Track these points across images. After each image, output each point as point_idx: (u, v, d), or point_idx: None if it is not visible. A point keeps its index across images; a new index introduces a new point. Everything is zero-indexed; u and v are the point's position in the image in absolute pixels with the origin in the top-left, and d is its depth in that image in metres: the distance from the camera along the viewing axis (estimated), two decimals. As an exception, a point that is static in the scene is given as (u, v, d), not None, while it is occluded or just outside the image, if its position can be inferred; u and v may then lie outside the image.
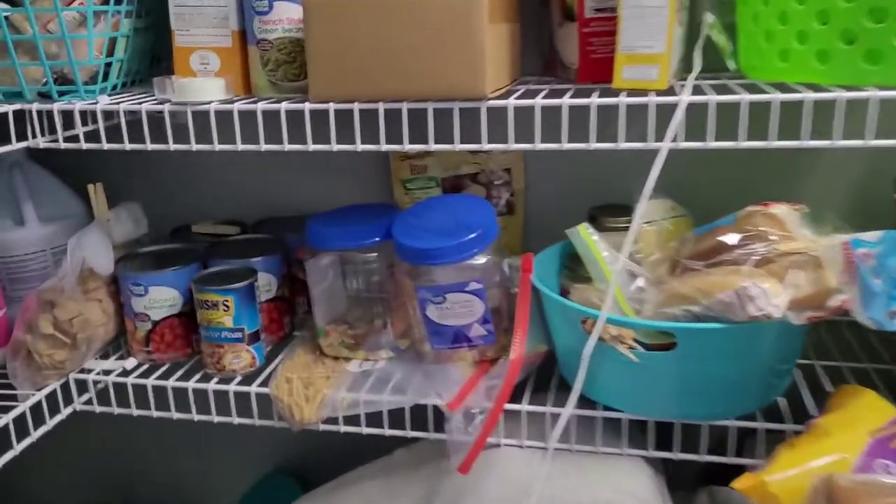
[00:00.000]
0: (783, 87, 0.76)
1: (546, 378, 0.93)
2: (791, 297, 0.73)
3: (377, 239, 0.93)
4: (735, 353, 0.77)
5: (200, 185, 1.21)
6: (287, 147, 0.84)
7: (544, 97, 0.79)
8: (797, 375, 0.89)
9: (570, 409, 0.80)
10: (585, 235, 0.89)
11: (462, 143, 0.80)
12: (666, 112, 0.75)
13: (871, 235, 0.70)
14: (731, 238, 0.78)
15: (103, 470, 1.43)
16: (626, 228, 0.92)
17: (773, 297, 0.72)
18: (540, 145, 0.79)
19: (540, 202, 1.11)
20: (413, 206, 0.96)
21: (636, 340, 0.81)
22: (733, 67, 0.85)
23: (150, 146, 0.86)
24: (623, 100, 0.76)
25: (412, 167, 1.11)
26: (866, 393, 0.73)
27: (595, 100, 0.76)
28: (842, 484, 0.57)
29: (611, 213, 0.96)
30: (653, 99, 0.75)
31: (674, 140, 0.75)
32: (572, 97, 0.78)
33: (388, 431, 0.92)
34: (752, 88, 0.78)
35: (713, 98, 0.74)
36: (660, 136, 0.75)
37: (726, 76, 0.91)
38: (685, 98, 0.74)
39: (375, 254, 0.93)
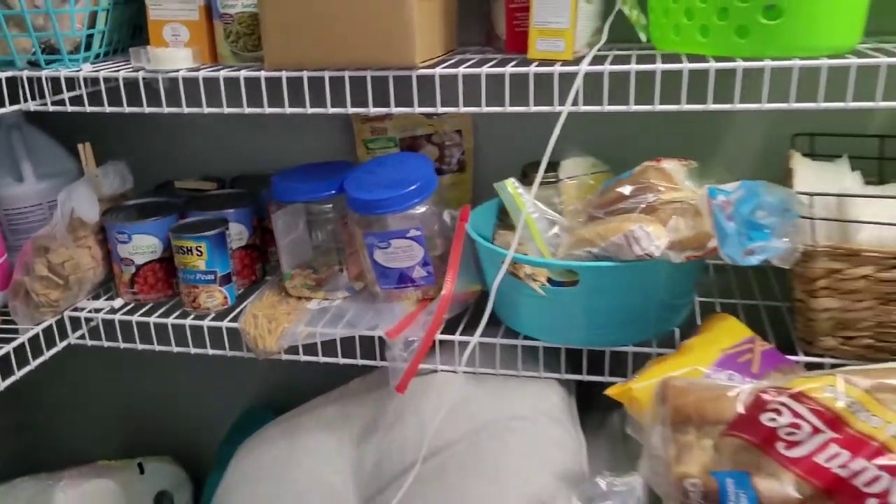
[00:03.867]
0: (691, 58, 0.85)
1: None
2: (672, 239, 0.85)
3: (333, 192, 1.03)
4: (629, 288, 0.89)
5: (183, 145, 1.29)
6: (246, 110, 0.94)
7: (469, 66, 0.90)
8: (697, 310, 1.01)
9: (476, 338, 0.93)
10: (511, 188, 1.00)
11: (396, 106, 0.91)
12: (571, 79, 0.85)
13: (731, 185, 0.82)
14: (627, 189, 0.90)
15: (108, 397, 1.55)
16: (554, 182, 1.04)
17: (655, 239, 0.84)
18: (463, 108, 0.90)
19: (487, 161, 1.21)
20: (366, 163, 1.07)
21: (550, 279, 0.93)
22: (644, 39, 0.95)
23: (126, 109, 0.97)
24: (533, 69, 0.87)
25: (373, 129, 1.21)
26: (728, 318, 0.86)
27: (510, 69, 0.87)
28: (675, 384, 0.69)
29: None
30: (557, 69, 0.86)
31: (574, 104, 0.86)
32: (494, 66, 0.89)
33: (342, 360, 1.04)
34: (647, 59, 0.89)
35: (607, 68, 0.85)
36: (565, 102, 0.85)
37: (637, 47, 1.01)
38: (584, 68, 0.85)
39: (331, 205, 1.04)
